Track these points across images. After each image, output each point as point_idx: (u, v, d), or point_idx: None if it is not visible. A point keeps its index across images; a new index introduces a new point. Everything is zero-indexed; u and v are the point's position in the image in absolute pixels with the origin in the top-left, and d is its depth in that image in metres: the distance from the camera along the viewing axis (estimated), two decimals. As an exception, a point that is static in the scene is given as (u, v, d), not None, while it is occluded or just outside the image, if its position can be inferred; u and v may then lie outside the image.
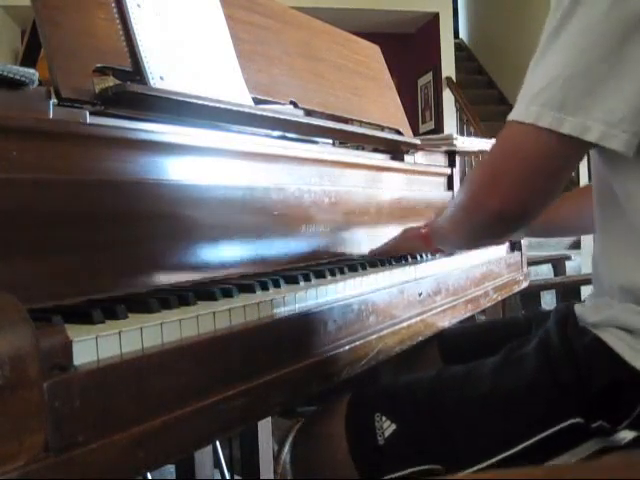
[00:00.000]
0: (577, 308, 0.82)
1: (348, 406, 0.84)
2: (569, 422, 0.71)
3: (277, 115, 1.03)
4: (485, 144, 1.74)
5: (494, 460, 0.72)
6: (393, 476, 0.77)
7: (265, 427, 1.09)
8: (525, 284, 1.59)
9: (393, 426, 0.79)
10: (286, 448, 0.88)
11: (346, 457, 0.80)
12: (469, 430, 0.76)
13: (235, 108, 0.93)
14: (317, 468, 0.85)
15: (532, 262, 2.56)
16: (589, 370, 0.72)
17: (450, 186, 1.63)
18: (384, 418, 0.79)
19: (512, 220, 0.73)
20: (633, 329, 0.71)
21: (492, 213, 0.72)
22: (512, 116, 0.68)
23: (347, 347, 0.79)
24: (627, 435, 0.70)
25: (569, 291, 2.45)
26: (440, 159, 1.62)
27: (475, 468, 0.73)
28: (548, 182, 0.69)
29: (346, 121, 1.32)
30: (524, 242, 1.60)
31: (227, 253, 0.92)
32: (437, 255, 1.23)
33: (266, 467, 1.16)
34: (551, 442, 0.71)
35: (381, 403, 0.82)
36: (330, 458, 0.83)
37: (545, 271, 4.06)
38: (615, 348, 0.71)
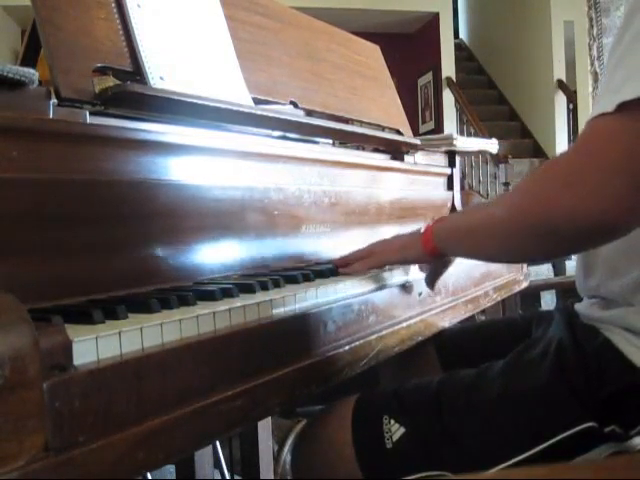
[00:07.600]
0: (579, 307, 0.82)
1: (355, 408, 0.82)
2: (582, 427, 0.69)
3: (277, 115, 1.03)
4: (485, 144, 1.74)
5: (505, 465, 0.71)
6: None
7: (265, 427, 1.09)
8: (525, 284, 1.59)
9: (402, 429, 0.77)
10: (286, 448, 0.88)
11: (351, 460, 0.79)
12: (480, 434, 0.74)
13: (235, 108, 0.93)
14: (320, 471, 0.84)
15: (532, 262, 2.55)
16: (600, 373, 0.71)
17: (450, 186, 1.63)
18: (392, 421, 0.78)
19: (611, 229, 0.60)
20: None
21: (586, 220, 0.59)
22: (594, 113, 0.60)
23: (347, 347, 0.79)
24: None
25: (569, 291, 2.44)
26: (440, 159, 1.62)
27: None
28: None
29: (346, 121, 1.32)
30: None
31: (227, 253, 0.92)
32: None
33: (266, 467, 1.16)
34: (563, 447, 0.70)
35: (389, 406, 0.81)
36: (334, 461, 0.82)
37: (545, 271, 4.07)
38: (624, 351, 0.70)
